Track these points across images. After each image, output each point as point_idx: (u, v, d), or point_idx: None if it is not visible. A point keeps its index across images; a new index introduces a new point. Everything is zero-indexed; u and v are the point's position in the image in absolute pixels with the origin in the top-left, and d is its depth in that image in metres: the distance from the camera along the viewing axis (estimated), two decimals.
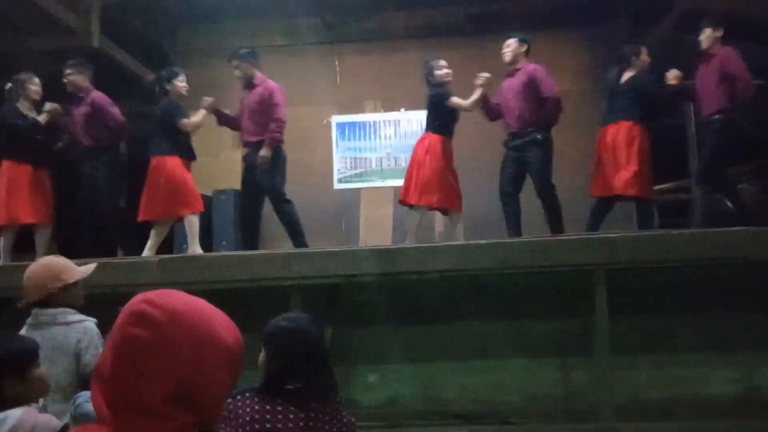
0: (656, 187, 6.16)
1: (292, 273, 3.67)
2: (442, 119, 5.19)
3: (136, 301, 0.91)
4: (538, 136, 5.06)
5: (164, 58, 8.49)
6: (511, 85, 5.17)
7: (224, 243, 5.47)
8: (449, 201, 5.15)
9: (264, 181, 4.96)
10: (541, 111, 5.08)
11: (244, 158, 5.26)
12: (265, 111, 5.05)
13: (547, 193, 5.08)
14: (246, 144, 5.21)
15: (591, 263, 3.58)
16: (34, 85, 5.20)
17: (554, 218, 5.07)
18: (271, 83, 5.19)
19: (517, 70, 5.16)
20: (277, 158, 5.02)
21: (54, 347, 2.43)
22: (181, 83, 5.05)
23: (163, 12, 8.36)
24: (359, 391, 3.75)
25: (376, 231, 6.97)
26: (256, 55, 5.33)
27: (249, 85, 5.23)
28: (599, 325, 3.56)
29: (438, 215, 6.10)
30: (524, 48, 5.19)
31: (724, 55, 4.84)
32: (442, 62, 5.29)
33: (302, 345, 1.90)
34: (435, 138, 5.14)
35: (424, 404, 3.72)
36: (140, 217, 4.83)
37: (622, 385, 3.69)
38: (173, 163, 4.86)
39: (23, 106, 5.14)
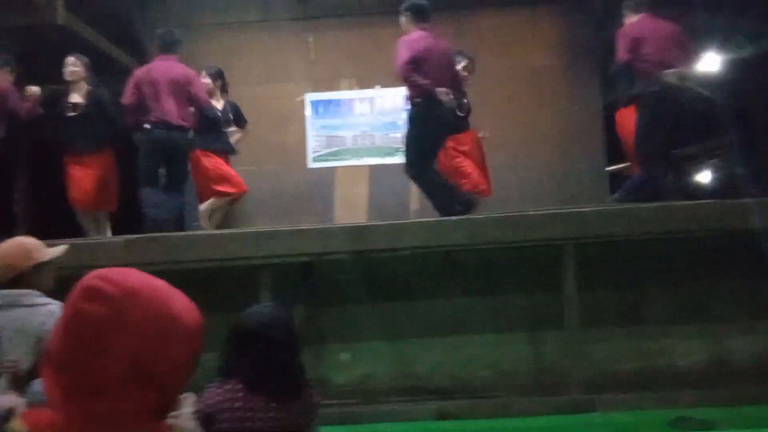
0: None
1: (261, 252, 3.63)
2: None
3: (90, 277, 0.87)
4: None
5: (134, 35, 8.30)
6: None
7: (195, 224, 5.41)
8: None
9: None
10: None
11: None
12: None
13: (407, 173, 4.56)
14: None
15: (560, 237, 3.59)
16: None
17: (433, 200, 4.48)
18: None
19: None
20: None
21: (17, 329, 2.38)
22: None
23: None
24: (332, 370, 3.75)
25: (351, 210, 6.92)
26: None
27: None
28: (569, 299, 3.59)
29: (414, 192, 6.07)
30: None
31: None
32: (462, 59, 5.21)
33: (271, 339, 1.90)
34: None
35: (396, 381, 3.73)
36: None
37: (593, 357, 3.73)
38: None
39: None
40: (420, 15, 4.57)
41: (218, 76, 5.37)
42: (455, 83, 4.63)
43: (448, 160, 5.05)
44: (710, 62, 6.33)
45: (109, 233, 4.91)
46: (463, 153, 5.16)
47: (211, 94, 5.20)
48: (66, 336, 0.85)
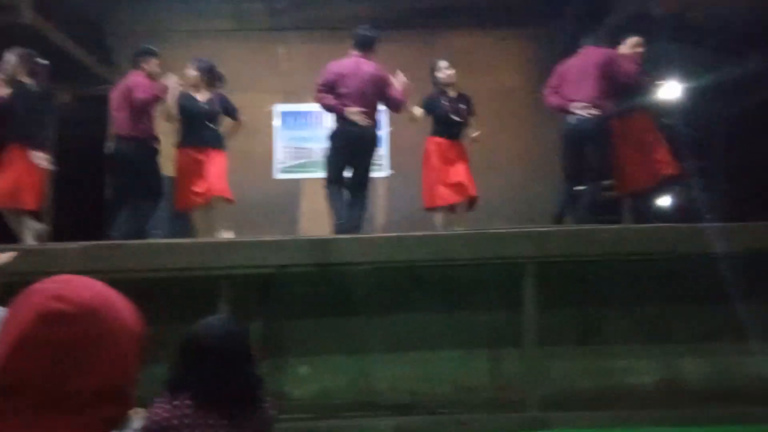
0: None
1: (222, 262, 3.58)
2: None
3: (44, 299, 0.84)
4: None
5: (102, 40, 8.18)
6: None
7: (157, 231, 5.32)
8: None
9: None
10: None
11: None
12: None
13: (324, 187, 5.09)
14: None
15: (522, 256, 3.63)
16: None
17: (334, 215, 4.92)
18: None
19: None
20: None
21: None
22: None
23: None
24: (290, 383, 3.70)
25: (316, 222, 6.89)
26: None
27: None
28: (528, 317, 3.62)
29: (379, 206, 6.09)
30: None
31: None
32: (442, 63, 5.31)
33: (222, 352, 1.86)
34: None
35: (354, 396, 3.70)
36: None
37: (551, 375, 3.77)
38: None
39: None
40: (355, 42, 5.08)
41: (206, 69, 5.21)
42: (391, 102, 5.03)
43: (430, 165, 5.17)
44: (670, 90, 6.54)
45: (28, 236, 4.59)
46: (450, 159, 5.19)
47: (195, 87, 5.10)
48: (23, 360, 0.82)
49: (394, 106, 5.07)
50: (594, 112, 4.87)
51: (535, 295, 3.64)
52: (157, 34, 7.59)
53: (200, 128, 5.03)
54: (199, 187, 4.90)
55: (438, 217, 5.20)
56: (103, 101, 5.47)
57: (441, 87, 5.30)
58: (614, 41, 5.35)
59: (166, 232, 5.65)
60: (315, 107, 7.67)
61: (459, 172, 5.14)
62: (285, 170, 7.37)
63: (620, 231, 3.87)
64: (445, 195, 5.10)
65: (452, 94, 5.31)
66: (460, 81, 5.74)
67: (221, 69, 5.62)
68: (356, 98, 4.86)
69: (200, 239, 4.52)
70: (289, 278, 3.69)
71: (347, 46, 5.42)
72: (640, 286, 3.84)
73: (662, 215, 4.78)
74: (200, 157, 4.97)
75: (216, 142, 5.11)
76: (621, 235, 3.79)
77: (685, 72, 7.18)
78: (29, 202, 4.72)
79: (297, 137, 7.50)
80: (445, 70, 5.28)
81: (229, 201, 5.05)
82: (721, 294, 3.65)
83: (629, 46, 5.17)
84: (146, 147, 5.02)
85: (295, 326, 3.74)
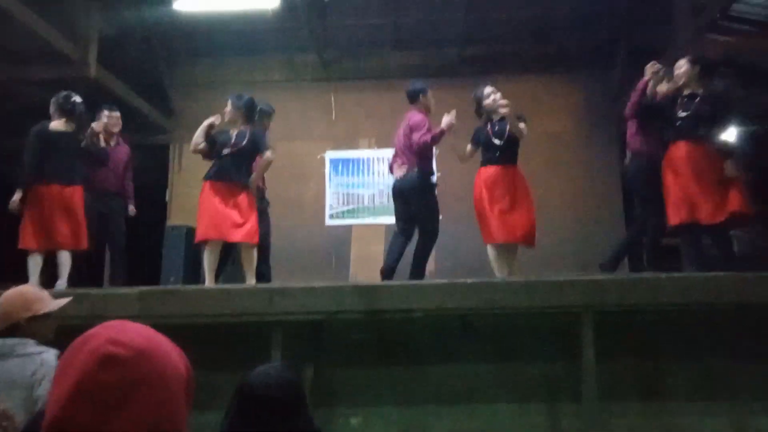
0: None
1: (275, 308, 3.58)
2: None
3: (100, 343, 0.87)
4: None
5: (162, 91, 8.56)
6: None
7: (172, 279, 5.42)
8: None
9: None
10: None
11: None
12: None
13: None
14: None
15: (578, 305, 3.51)
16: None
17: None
18: None
19: None
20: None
21: (8, 381, 2.30)
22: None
23: (162, 45, 8.46)
24: None
25: (366, 268, 6.89)
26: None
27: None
28: (587, 370, 3.47)
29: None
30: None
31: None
32: (487, 89, 5.13)
33: (277, 401, 1.83)
34: None
35: None
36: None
37: None
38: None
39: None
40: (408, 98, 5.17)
41: (244, 105, 4.93)
42: (415, 146, 4.88)
43: (477, 197, 4.99)
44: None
45: (33, 278, 4.59)
46: (489, 190, 4.93)
47: (232, 121, 4.91)
48: (80, 403, 0.84)
49: (418, 147, 4.86)
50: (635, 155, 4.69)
51: (593, 347, 3.50)
52: (214, 86, 7.91)
53: (224, 161, 4.77)
54: (216, 220, 4.62)
55: (491, 253, 4.95)
56: (163, 150, 5.67)
57: (488, 115, 5.11)
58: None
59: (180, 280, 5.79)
60: (364, 154, 7.83)
61: (505, 207, 4.86)
62: (335, 216, 7.44)
63: (682, 279, 3.70)
64: (495, 233, 4.83)
65: (496, 118, 5.08)
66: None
67: (274, 118, 5.74)
68: (397, 150, 5.01)
69: (253, 285, 4.56)
70: (339, 325, 3.67)
71: (396, 94, 5.51)
72: (707, 338, 3.64)
73: (728, 261, 4.50)
74: (223, 190, 4.70)
75: (238, 176, 4.78)
76: (683, 283, 3.63)
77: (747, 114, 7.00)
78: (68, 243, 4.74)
79: (346, 183, 7.58)
80: (492, 96, 5.07)
81: (253, 246, 4.77)
82: None
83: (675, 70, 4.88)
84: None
85: (346, 375, 3.69)
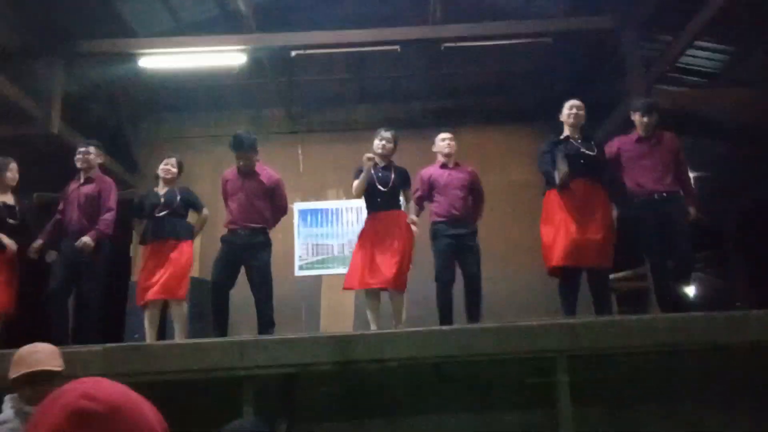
0: (614, 276, 6.24)
1: (246, 362, 3.49)
2: None
3: (74, 398, 0.85)
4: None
5: (126, 147, 8.50)
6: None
7: (136, 336, 5.29)
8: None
9: None
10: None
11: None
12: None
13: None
14: None
15: (552, 349, 3.52)
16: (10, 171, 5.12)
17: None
18: None
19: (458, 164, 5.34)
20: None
21: None
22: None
23: (126, 101, 8.46)
24: None
25: (337, 318, 6.81)
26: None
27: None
28: (563, 416, 3.45)
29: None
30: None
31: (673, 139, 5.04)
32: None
33: None
34: None
35: None
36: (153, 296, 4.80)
37: None
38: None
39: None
40: None
41: (180, 165, 5.36)
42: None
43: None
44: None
45: None
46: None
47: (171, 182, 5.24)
48: None
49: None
50: None
51: (569, 393, 3.49)
52: (179, 141, 7.90)
53: (157, 221, 5.03)
54: (150, 281, 4.80)
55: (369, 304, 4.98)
56: (126, 205, 5.58)
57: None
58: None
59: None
60: (333, 204, 7.86)
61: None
62: (304, 267, 7.39)
63: (653, 321, 3.76)
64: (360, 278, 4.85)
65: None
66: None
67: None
68: None
69: (223, 339, 4.45)
70: (313, 377, 3.59)
71: (362, 145, 5.58)
72: (680, 380, 3.67)
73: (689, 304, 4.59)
74: (156, 249, 4.96)
75: (175, 234, 5.03)
76: (654, 325, 3.68)
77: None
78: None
79: (316, 234, 7.57)
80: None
81: (180, 301, 4.92)
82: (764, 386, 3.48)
83: None
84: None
85: (320, 429, 3.59)
